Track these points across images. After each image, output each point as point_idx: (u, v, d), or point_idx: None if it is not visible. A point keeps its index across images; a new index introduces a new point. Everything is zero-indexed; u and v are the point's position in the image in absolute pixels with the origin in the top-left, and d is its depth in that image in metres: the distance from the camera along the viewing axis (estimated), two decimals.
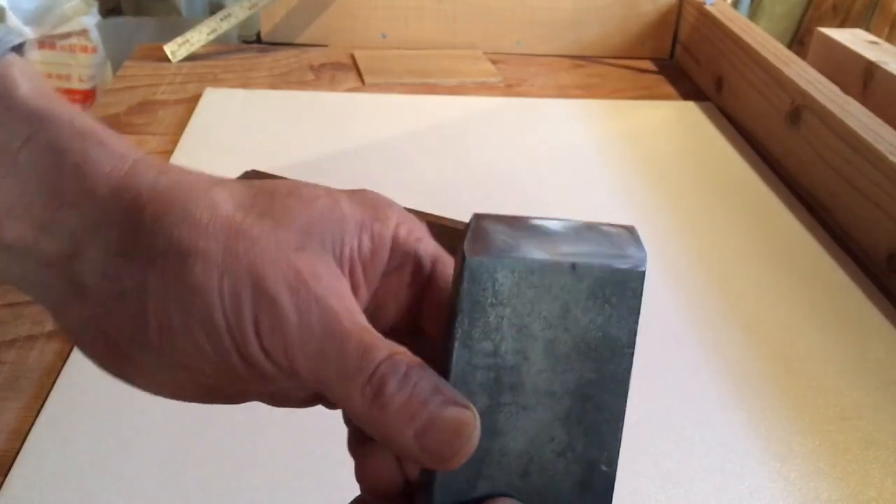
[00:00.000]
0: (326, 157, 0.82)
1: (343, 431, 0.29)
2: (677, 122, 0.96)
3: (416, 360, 0.25)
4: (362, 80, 1.02)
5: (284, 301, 0.24)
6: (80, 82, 1.43)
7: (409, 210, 0.67)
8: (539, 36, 1.14)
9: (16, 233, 0.25)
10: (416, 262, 0.28)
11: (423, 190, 0.76)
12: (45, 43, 1.39)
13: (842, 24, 1.38)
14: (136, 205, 0.25)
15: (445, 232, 0.68)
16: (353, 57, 1.09)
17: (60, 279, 0.26)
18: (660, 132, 0.93)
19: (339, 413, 0.28)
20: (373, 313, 0.28)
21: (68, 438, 0.47)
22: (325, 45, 1.12)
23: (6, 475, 0.45)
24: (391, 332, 0.28)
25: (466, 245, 0.25)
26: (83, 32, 1.39)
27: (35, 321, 0.57)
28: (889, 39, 1.18)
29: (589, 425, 0.26)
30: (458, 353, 0.25)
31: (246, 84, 0.99)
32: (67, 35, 1.39)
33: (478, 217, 0.26)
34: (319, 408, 0.29)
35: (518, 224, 0.26)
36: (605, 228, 0.26)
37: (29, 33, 1.38)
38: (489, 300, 0.25)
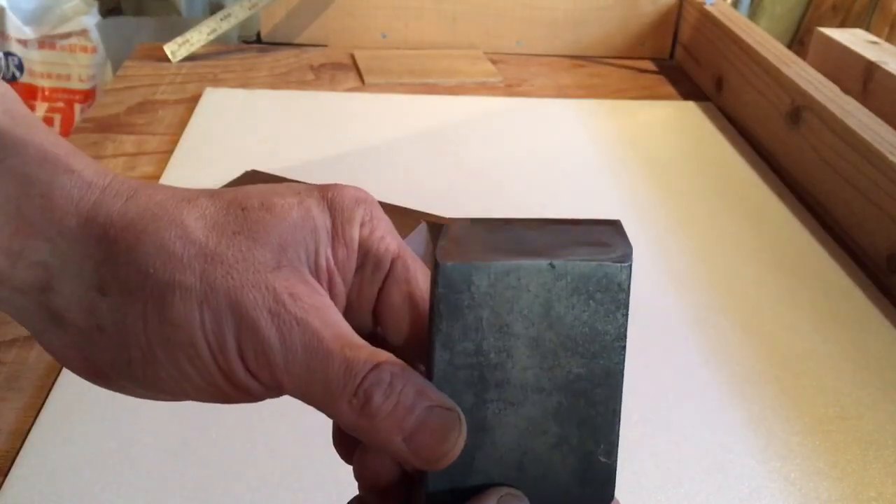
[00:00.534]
0: (326, 157, 0.82)
1: None
2: (677, 122, 0.96)
3: (399, 365, 0.25)
4: (362, 80, 1.02)
5: (265, 326, 0.24)
6: (80, 82, 1.43)
7: (409, 210, 0.67)
8: (539, 36, 1.14)
9: None
10: (376, 262, 0.28)
11: (422, 190, 0.76)
12: (45, 43, 1.39)
13: (842, 24, 1.38)
14: (107, 237, 0.25)
15: None
16: (353, 57, 1.09)
17: (38, 307, 0.26)
18: (660, 132, 0.93)
19: None
20: (350, 316, 0.28)
21: (68, 438, 0.47)
22: (325, 45, 1.12)
23: (6, 475, 0.45)
24: (371, 335, 0.29)
25: (439, 251, 0.25)
26: (83, 32, 1.39)
27: None
28: (889, 39, 1.18)
29: (582, 419, 0.26)
30: (438, 354, 0.26)
31: (246, 84, 0.99)
32: (67, 35, 1.39)
33: (451, 221, 0.26)
34: None
35: (494, 226, 0.26)
36: (588, 224, 0.27)
37: (29, 33, 1.38)
38: (465, 302, 0.25)
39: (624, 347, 0.26)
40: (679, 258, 0.68)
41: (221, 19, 1.03)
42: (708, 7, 1.06)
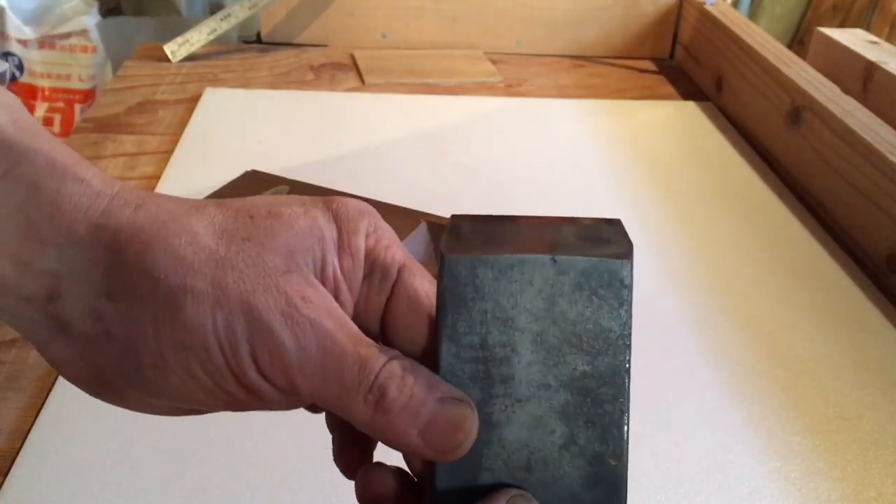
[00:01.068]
0: (326, 157, 0.82)
1: None
2: (677, 122, 0.96)
3: (410, 361, 0.26)
4: (362, 80, 1.02)
5: (279, 329, 0.25)
6: (80, 82, 1.43)
7: (409, 210, 0.67)
8: (539, 36, 1.14)
9: None
10: (383, 271, 0.28)
11: (422, 190, 0.76)
12: (45, 43, 1.39)
13: (842, 24, 1.38)
14: (116, 244, 0.25)
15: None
16: (353, 57, 1.09)
17: (44, 315, 0.26)
18: (660, 132, 0.93)
19: None
20: (358, 325, 0.28)
21: (68, 438, 0.47)
22: (325, 45, 1.12)
23: (6, 475, 0.45)
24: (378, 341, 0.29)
25: (444, 244, 0.25)
26: (83, 32, 1.39)
27: None
28: (889, 39, 1.18)
29: (590, 418, 0.26)
30: (445, 346, 0.26)
31: (246, 84, 0.99)
32: (67, 35, 1.39)
33: (455, 217, 0.26)
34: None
35: (498, 221, 0.26)
36: (589, 222, 0.27)
37: (29, 33, 1.38)
38: (470, 295, 0.25)
39: (629, 346, 0.26)
40: (679, 258, 0.68)
41: (221, 19, 1.03)
42: (708, 7, 1.06)
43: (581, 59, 1.14)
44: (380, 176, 0.79)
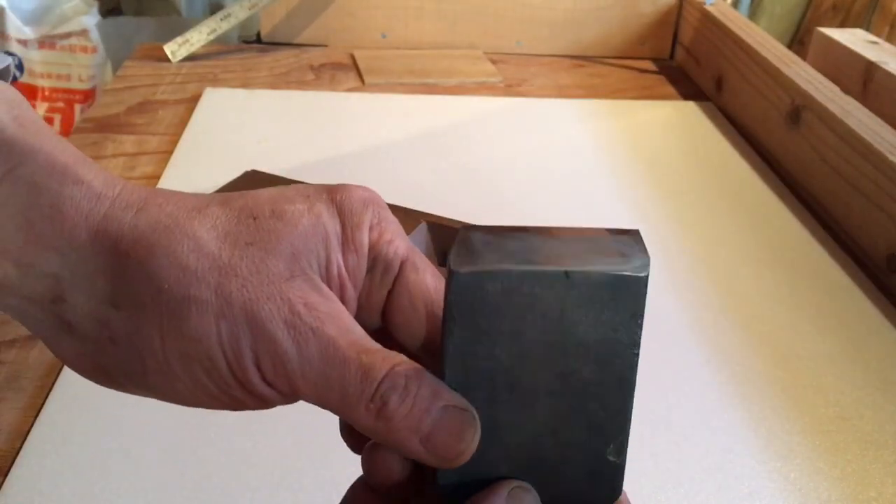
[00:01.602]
0: (326, 157, 0.82)
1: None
2: (677, 122, 0.96)
3: (413, 367, 0.26)
4: (362, 80, 1.02)
5: (282, 337, 0.25)
6: (80, 82, 1.43)
7: (410, 210, 0.67)
8: (539, 36, 1.14)
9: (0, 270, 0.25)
10: (385, 266, 0.28)
11: (422, 190, 0.76)
12: (45, 43, 1.39)
13: (842, 24, 1.38)
14: (118, 250, 0.25)
15: (445, 232, 0.68)
16: (353, 57, 1.09)
17: (49, 316, 0.26)
18: (660, 132, 0.93)
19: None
20: (360, 317, 0.28)
21: (68, 438, 0.47)
22: (325, 45, 1.12)
23: (6, 475, 0.45)
24: (380, 329, 0.29)
25: (452, 258, 0.25)
26: (83, 32, 1.39)
27: None
28: (889, 39, 1.18)
29: (593, 422, 0.27)
30: (450, 358, 0.26)
31: (246, 84, 0.99)
32: (67, 35, 1.39)
33: (465, 228, 0.26)
34: (320, 408, 0.29)
35: (509, 234, 0.26)
36: (606, 234, 0.26)
37: (29, 33, 1.38)
38: (478, 309, 0.25)
39: (637, 354, 0.26)
40: (679, 258, 0.68)
41: (221, 19, 1.03)
42: (708, 7, 1.06)
43: (581, 59, 1.14)
44: (380, 176, 0.79)
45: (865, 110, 0.76)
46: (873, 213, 0.69)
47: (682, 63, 1.13)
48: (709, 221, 0.74)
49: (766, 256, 0.69)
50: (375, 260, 0.28)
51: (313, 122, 0.90)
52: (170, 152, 0.81)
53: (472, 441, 0.26)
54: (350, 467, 0.29)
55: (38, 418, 0.49)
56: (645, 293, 0.25)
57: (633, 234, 0.26)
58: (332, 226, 0.27)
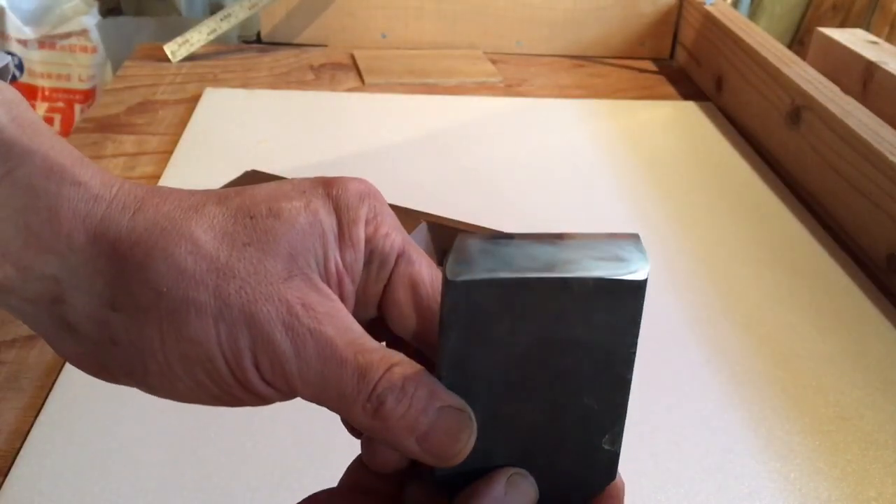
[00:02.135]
0: (326, 157, 0.82)
1: (342, 428, 0.29)
2: (677, 122, 0.96)
3: (412, 368, 0.26)
4: (362, 80, 1.02)
5: (280, 338, 0.25)
6: (80, 82, 1.43)
7: (410, 210, 0.67)
8: (539, 36, 1.14)
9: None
10: (381, 260, 0.28)
11: (422, 190, 0.76)
12: (45, 43, 1.39)
13: (842, 24, 1.38)
14: (116, 253, 0.25)
15: (445, 232, 0.68)
16: (353, 57, 1.09)
17: (50, 317, 0.26)
18: (660, 132, 0.93)
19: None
20: (357, 310, 0.29)
21: (68, 438, 0.47)
22: (325, 45, 1.12)
23: (6, 475, 0.45)
24: (377, 319, 0.29)
25: (448, 266, 0.25)
26: (83, 32, 1.39)
27: None
28: (889, 39, 1.18)
29: (590, 417, 0.27)
30: (447, 359, 0.26)
31: (246, 84, 0.99)
32: (67, 35, 1.39)
33: (461, 237, 0.26)
34: (321, 407, 0.29)
35: (506, 241, 0.26)
36: (604, 238, 0.26)
37: (29, 33, 1.38)
38: (474, 316, 0.25)
39: (634, 353, 0.26)
40: (679, 258, 0.68)
41: (221, 19, 1.03)
42: (708, 7, 1.06)
43: (581, 59, 1.14)
44: (380, 176, 0.78)
45: (865, 110, 0.76)
46: (873, 213, 0.69)
47: (682, 63, 1.13)
48: (709, 221, 0.74)
49: (766, 256, 0.69)
50: (372, 254, 0.28)
51: (313, 122, 0.90)
52: (170, 152, 0.81)
53: (467, 442, 0.26)
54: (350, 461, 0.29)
55: (38, 418, 0.49)
56: (643, 297, 0.25)
57: (632, 238, 0.26)
58: (329, 222, 0.27)
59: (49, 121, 1.43)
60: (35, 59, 1.40)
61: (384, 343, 0.30)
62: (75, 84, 1.43)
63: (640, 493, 0.46)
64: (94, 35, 1.40)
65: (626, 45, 1.15)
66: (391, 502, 0.29)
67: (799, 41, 1.44)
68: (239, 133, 0.86)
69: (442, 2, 1.11)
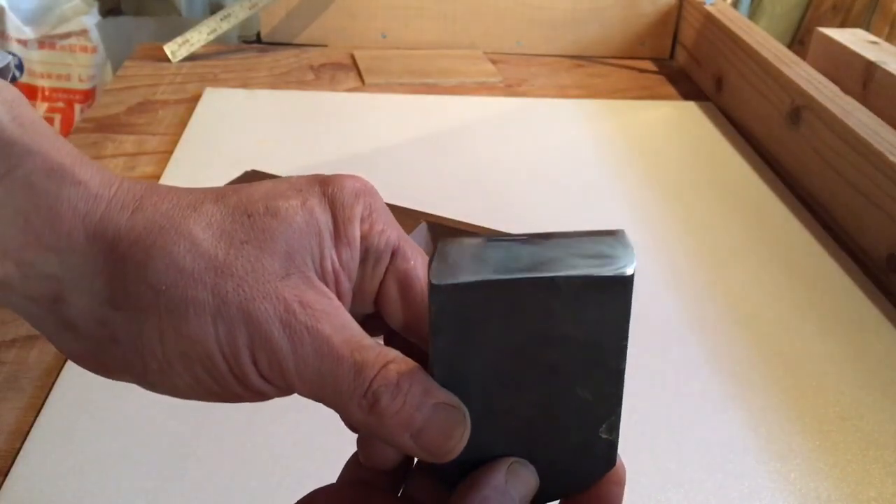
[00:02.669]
0: (326, 157, 0.82)
1: (342, 428, 0.29)
2: (677, 122, 0.96)
3: (407, 365, 0.26)
4: (362, 80, 1.02)
5: (277, 336, 0.25)
6: (80, 82, 1.43)
7: (409, 210, 0.67)
8: (539, 36, 1.14)
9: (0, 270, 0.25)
10: (377, 256, 0.28)
11: (422, 190, 0.76)
12: (45, 43, 1.39)
13: (842, 24, 1.38)
14: (115, 252, 0.25)
15: (445, 232, 0.68)
16: (353, 57, 1.09)
17: (51, 315, 0.26)
18: (660, 132, 0.93)
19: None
20: (354, 307, 0.29)
21: (68, 438, 0.47)
22: (325, 45, 1.12)
23: (6, 475, 0.45)
24: (373, 315, 0.29)
25: (433, 271, 0.25)
26: (83, 32, 1.39)
27: None
28: (889, 39, 1.18)
29: (586, 410, 0.27)
30: (438, 359, 0.26)
31: (246, 84, 0.99)
32: (67, 35, 1.39)
33: (444, 242, 0.26)
34: (321, 406, 0.29)
35: (490, 243, 0.26)
36: (589, 236, 0.26)
37: (29, 33, 1.38)
38: (462, 318, 0.25)
39: (626, 345, 0.26)
40: (679, 258, 0.68)
41: (221, 19, 1.03)
42: (708, 7, 1.06)
43: (581, 59, 1.14)
44: (380, 175, 0.78)
45: (865, 110, 0.76)
46: (873, 213, 0.69)
47: (683, 63, 1.13)
48: (709, 221, 0.74)
49: (766, 256, 0.69)
50: (367, 251, 0.28)
51: (313, 122, 0.90)
52: (170, 152, 0.81)
53: (461, 438, 0.26)
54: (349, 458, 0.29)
55: (38, 418, 0.49)
56: (631, 291, 0.25)
57: (617, 234, 0.26)
58: (325, 221, 0.27)
59: (49, 121, 1.43)
60: (35, 59, 1.40)
61: (381, 338, 0.30)
62: (75, 84, 1.43)
63: (640, 493, 0.46)
64: (94, 35, 1.40)
65: (626, 45, 1.15)
66: (391, 495, 0.29)
67: (799, 41, 1.44)
68: (239, 133, 0.86)
69: (442, 2, 1.11)
